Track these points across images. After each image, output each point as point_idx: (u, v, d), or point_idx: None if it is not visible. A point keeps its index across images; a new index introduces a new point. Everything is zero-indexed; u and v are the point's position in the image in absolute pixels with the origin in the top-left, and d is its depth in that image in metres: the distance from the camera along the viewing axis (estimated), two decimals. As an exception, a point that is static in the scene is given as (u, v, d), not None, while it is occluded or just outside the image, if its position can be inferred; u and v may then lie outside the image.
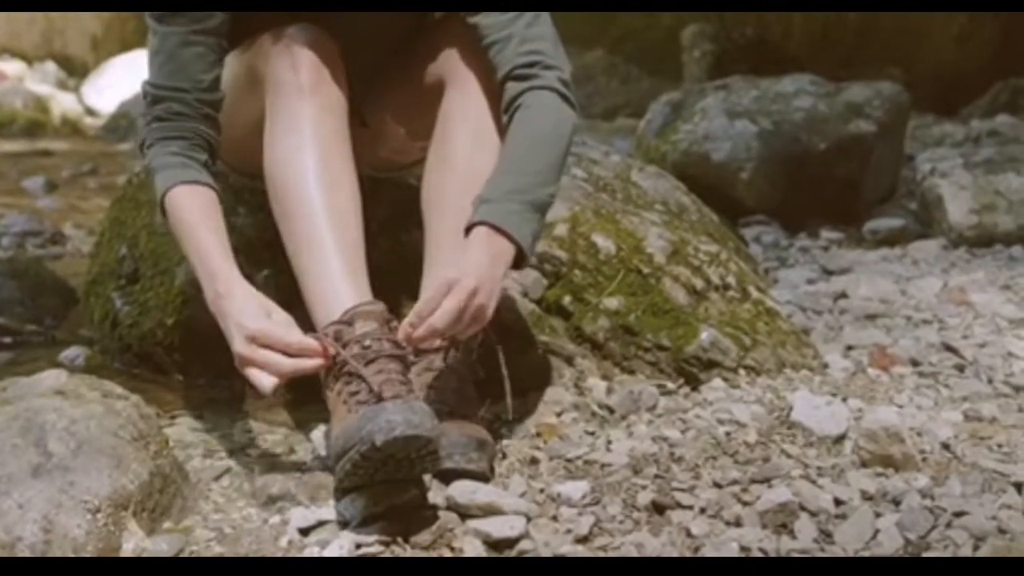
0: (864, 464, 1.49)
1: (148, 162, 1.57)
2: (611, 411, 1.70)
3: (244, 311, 1.41)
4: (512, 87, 1.54)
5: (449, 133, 1.58)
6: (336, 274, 1.46)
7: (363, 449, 1.28)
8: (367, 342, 1.39)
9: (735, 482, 1.44)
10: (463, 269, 1.40)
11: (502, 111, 1.56)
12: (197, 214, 1.52)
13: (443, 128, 1.59)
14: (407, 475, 1.35)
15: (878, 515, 1.36)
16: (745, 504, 1.39)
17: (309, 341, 1.39)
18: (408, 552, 1.30)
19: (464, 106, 1.58)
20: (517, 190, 1.47)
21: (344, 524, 1.36)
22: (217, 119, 1.59)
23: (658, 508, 1.39)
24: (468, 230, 1.45)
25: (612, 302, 1.83)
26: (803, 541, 1.31)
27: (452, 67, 1.60)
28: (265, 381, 1.39)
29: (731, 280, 1.92)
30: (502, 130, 1.57)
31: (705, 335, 1.80)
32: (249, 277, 1.84)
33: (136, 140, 1.65)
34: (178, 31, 1.55)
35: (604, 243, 1.87)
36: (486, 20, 1.56)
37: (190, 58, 1.55)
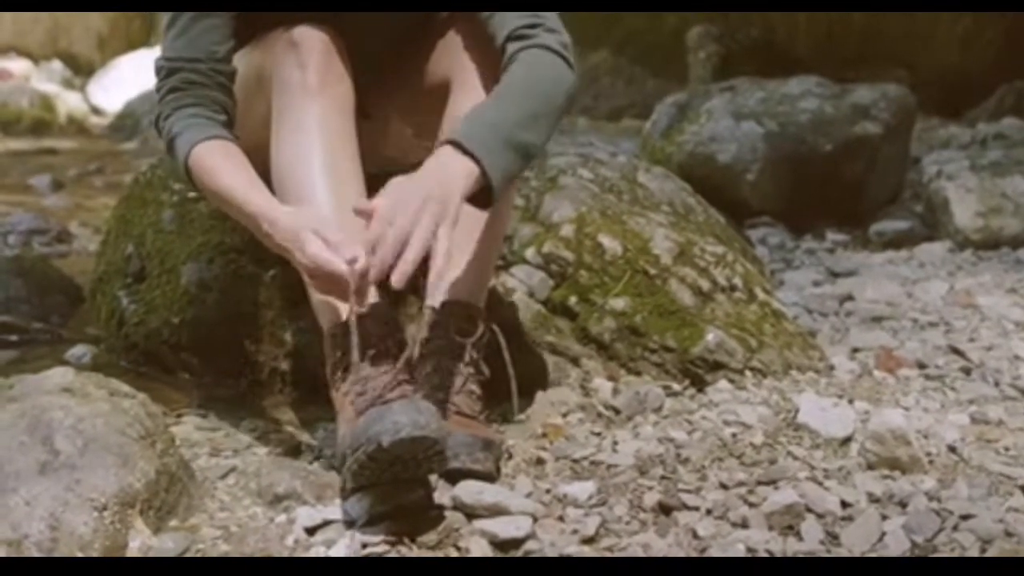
0: (871, 466, 1.49)
1: (167, 131, 1.56)
2: (617, 412, 1.70)
3: (293, 244, 1.38)
4: (511, 47, 1.51)
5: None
6: None
7: (370, 450, 1.28)
8: (372, 341, 1.39)
9: (741, 483, 1.44)
10: (407, 183, 1.33)
11: (500, 72, 1.51)
12: (228, 163, 1.50)
13: (449, 127, 1.58)
14: (413, 475, 1.35)
15: (885, 517, 1.35)
16: (751, 505, 1.39)
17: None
18: (414, 552, 1.30)
19: (470, 104, 1.57)
20: (495, 124, 1.41)
21: (350, 523, 1.36)
22: (232, 89, 1.58)
23: (664, 509, 1.39)
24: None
25: (618, 303, 1.83)
26: (809, 543, 1.31)
27: (458, 67, 1.60)
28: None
29: (737, 281, 1.92)
30: None
31: (711, 336, 1.80)
32: (256, 276, 1.87)
33: (151, 116, 1.64)
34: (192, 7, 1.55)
35: (610, 244, 1.87)
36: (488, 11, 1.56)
37: (203, 30, 1.55)
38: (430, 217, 1.31)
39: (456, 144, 1.38)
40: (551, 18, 1.55)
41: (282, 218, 1.42)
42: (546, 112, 1.47)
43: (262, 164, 1.57)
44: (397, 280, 1.30)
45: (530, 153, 1.45)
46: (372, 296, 1.45)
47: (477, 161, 1.37)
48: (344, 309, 1.43)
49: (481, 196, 1.40)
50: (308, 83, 1.53)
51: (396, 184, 1.35)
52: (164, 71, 1.57)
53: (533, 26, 1.52)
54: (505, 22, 1.53)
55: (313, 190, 1.50)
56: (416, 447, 1.29)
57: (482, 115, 1.43)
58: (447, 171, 1.36)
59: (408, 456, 1.30)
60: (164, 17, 1.59)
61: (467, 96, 1.58)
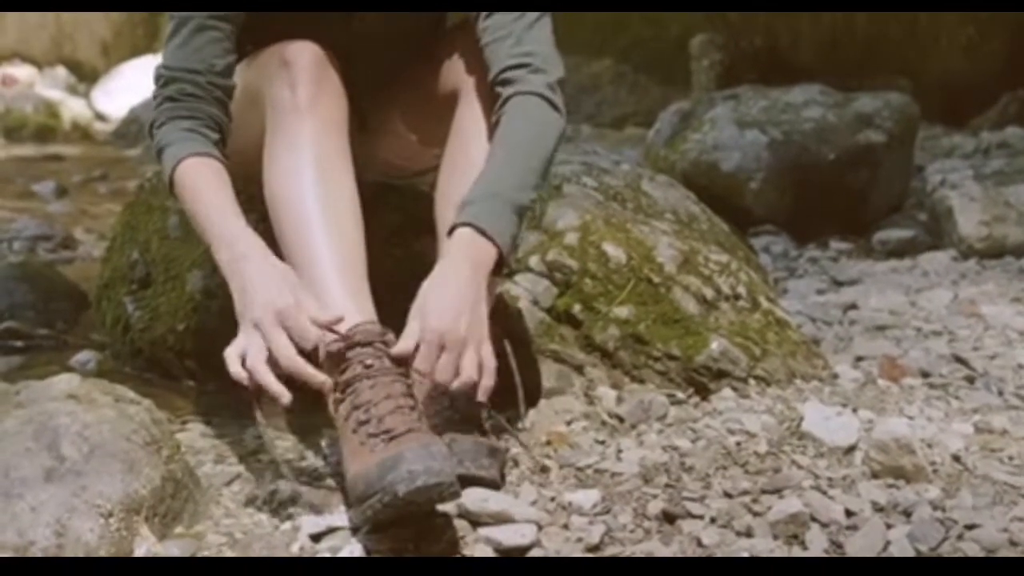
0: (875, 475, 1.49)
1: (158, 141, 1.56)
2: (621, 420, 1.70)
3: (264, 282, 1.39)
4: (500, 91, 1.55)
5: (463, 142, 1.58)
6: (336, 292, 1.45)
7: (385, 499, 1.27)
8: (369, 361, 1.39)
9: (746, 492, 1.44)
10: (441, 294, 1.41)
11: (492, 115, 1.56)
12: (209, 185, 1.50)
13: (457, 137, 1.59)
14: (429, 510, 1.34)
15: (889, 526, 1.35)
16: (756, 514, 1.39)
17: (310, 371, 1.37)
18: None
19: (479, 114, 1.58)
20: (498, 193, 1.48)
21: (355, 530, 1.36)
22: (228, 105, 1.58)
23: (668, 517, 1.39)
24: (451, 232, 1.47)
25: (622, 311, 1.83)
26: (814, 552, 1.31)
27: (466, 75, 1.60)
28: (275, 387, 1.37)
29: (741, 290, 1.92)
30: None
31: (715, 345, 1.80)
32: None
33: (147, 120, 1.63)
34: (196, 16, 1.55)
35: (614, 252, 1.87)
36: (487, 22, 1.58)
37: (205, 42, 1.55)
38: (476, 327, 1.42)
39: (471, 226, 1.46)
40: (541, 54, 1.57)
41: (252, 265, 1.41)
42: (539, 166, 1.54)
43: (257, 178, 1.56)
44: (482, 394, 1.44)
45: (529, 208, 1.54)
46: (369, 312, 1.46)
47: (493, 241, 1.47)
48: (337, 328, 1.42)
49: (497, 267, 1.50)
50: (299, 102, 1.53)
51: (431, 299, 1.41)
52: (163, 80, 1.57)
53: (521, 66, 1.55)
54: (495, 58, 1.56)
55: (305, 209, 1.49)
56: (431, 492, 1.28)
57: (485, 188, 1.49)
58: (474, 268, 1.45)
59: (423, 499, 1.29)
60: (169, 23, 1.58)
61: (475, 105, 1.59)
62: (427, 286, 1.44)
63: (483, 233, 1.46)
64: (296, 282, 1.41)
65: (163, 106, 1.57)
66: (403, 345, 1.40)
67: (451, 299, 1.41)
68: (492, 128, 1.57)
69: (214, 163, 1.54)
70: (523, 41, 1.56)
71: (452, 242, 1.47)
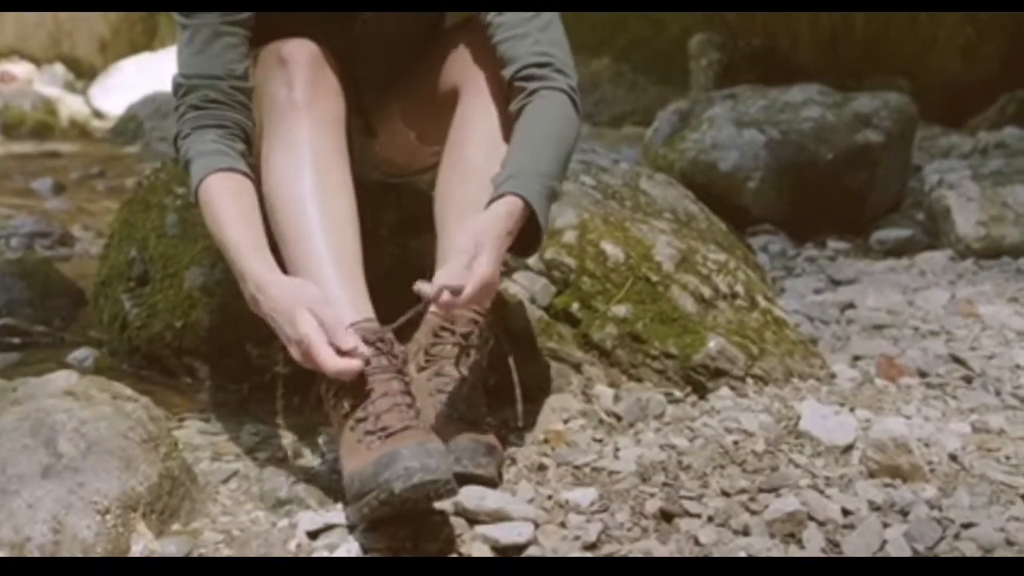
0: (872, 474, 1.49)
1: (184, 152, 1.54)
2: (618, 419, 1.70)
3: (282, 316, 1.38)
4: (523, 86, 1.55)
5: (464, 139, 1.58)
6: (332, 290, 1.44)
7: (382, 496, 1.28)
8: (368, 359, 1.38)
9: (743, 491, 1.44)
10: (478, 240, 1.40)
11: (510, 107, 1.56)
12: (230, 207, 1.48)
13: (458, 134, 1.59)
14: (426, 508, 1.35)
15: (886, 525, 1.36)
16: (753, 513, 1.39)
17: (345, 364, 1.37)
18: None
19: (479, 113, 1.58)
20: (539, 173, 1.48)
21: (352, 528, 1.36)
22: (251, 109, 1.57)
23: (666, 516, 1.39)
24: (496, 198, 1.45)
25: (620, 310, 1.83)
26: (811, 551, 1.32)
27: (467, 74, 1.60)
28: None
29: (739, 289, 1.92)
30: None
31: (713, 344, 1.81)
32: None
33: (170, 133, 1.61)
34: (209, 23, 1.53)
35: (613, 251, 1.88)
36: (500, 19, 1.57)
37: (222, 48, 1.54)
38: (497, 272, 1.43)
39: (522, 198, 1.45)
40: (560, 57, 1.58)
41: (274, 290, 1.40)
42: (566, 159, 1.54)
43: (255, 175, 1.55)
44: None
45: (556, 199, 1.54)
46: (367, 311, 1.45)
47: (537, 221, 1.46)
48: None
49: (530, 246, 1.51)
50: (296, 101, 1.52)
51: (483, 263, 1.39)
52: (183, 89, 1.55)
53: (543, 65, 1.55)
54: (515, 54, 1.55)
55: (302, 208, 1.48)
56: (428, 489, 1.29)
57: (528, 166, 1.48)
58: (510, 240, 1.44)
59: (420, 496, 1.30)
60: (179, 31, 1.56)
61: (476, 103, 1.58)
62: (479, 236, 1.41)
63: (531, 210, 1.45)
64: (317, 297, 1.39)
65: (187, 115, 1.54)
66: (450, 281, 1.37)
67: (493, 273, 1.41)
68: (500, 122, 1.57)
69: (238, 179, 1.51)
70: (541, 42, 1.57)
71: (497, 208, 1.44)
